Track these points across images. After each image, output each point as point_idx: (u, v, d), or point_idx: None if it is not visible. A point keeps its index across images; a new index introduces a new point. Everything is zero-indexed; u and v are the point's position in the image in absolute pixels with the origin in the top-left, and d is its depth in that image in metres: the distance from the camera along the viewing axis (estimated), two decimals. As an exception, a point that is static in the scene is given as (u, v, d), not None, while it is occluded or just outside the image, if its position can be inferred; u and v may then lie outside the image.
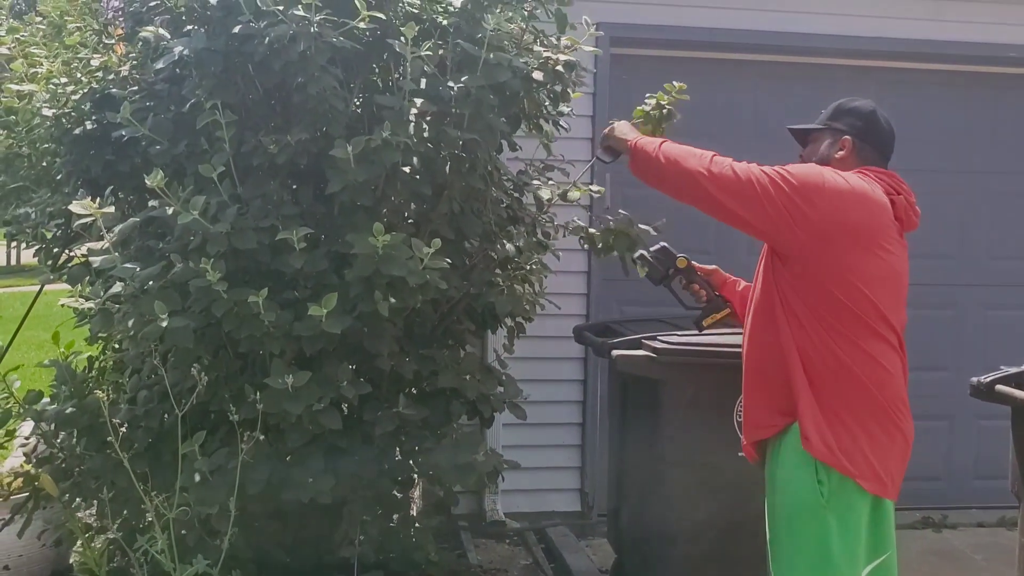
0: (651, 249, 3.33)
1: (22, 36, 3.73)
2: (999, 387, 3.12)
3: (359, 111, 3.22)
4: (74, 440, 3.31)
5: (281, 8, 2.85)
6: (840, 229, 2.49)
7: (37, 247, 3.99)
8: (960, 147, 5.30)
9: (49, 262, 3.86)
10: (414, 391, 3.37)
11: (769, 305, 2.63)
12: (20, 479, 3.43)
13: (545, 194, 3.64)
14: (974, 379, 3.19)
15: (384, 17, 2.95)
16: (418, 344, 3.34)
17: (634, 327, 3.89)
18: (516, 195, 3.63)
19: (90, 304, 2.98)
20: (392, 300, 2.90)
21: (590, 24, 3.42)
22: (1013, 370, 3.20)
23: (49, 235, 3.89)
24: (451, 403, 3.31)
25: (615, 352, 3.50)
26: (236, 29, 2.88)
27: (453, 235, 3.24)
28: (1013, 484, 3.19)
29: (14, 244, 23.83)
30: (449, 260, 2.96)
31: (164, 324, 2.77)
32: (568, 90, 3.44)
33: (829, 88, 5.00)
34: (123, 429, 3.13)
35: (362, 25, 2.90)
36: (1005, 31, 5.06)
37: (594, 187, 4.00)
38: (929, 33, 4.99)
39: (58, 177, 3.68)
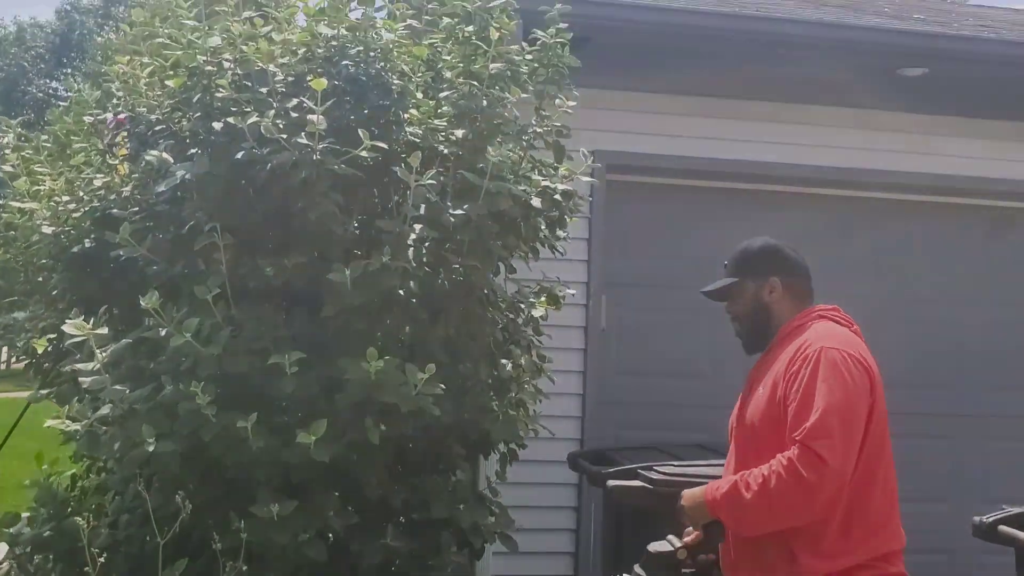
0: None
1: (27, 155, 3.78)
2: (1002, 528, 3.05)
3: (357, 234, 3.24)
4: (50, 564, 3.20)
5: (284, 136, 2.89)
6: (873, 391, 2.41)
7: (27, 361, 3.96)
8: (953, 277, 5.32)
9: (38, 377, 3.82)
10: (403, 520, 3.28)
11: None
12: (-9, 605, 3.31)
13: (538, 312, 3.62)
14: (976, 518, 3.12)
15: (386, 146, 2.99)
16: (408, 471, 3.27)
17: (630, 455, 3.83)
18: (512, 316, 3.62)
19: (76, 426, 2.93)
20: (383, 427, 2.85)
21: (587, 155, 3.48)
22: (1016, 510, 3.14)
23: (40, 349, 3.86)
24: (441, 534, 3.22)
25: (610, 482, 3.44)
26: (239, 155, 2.92)
27: (448, 358, 3.21)
28: (1020, 630, 3.09)
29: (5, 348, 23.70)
30: (443, 385, 2.92)
31: (151, 448, 2.72)
32: (565, 217, 3.48)
33: (821, 216, 5.09)
34: (102, 559, 3.03)
35: (364, 153, 2.94)
36: (997, 165, 5.17)
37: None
38: (920, 166, 5.10)
39: (53, 293, 3.68)
